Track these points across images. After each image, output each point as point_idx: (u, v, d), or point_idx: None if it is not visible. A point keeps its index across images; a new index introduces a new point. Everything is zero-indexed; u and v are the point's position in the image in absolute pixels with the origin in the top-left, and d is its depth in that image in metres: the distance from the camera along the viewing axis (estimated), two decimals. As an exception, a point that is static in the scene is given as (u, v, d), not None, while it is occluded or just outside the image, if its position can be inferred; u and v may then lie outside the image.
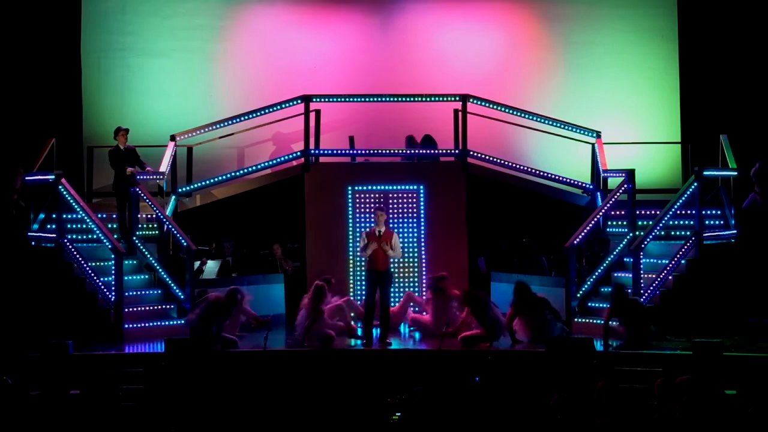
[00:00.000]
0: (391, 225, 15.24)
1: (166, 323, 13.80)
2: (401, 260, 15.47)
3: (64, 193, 14.14)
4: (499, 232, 16.91)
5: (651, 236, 13.92)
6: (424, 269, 15.60)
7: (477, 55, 17.36)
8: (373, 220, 14.50)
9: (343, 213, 15.57)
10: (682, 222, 14.72)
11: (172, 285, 14.05)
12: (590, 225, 14.29)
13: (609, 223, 15.09)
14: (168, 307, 14.17)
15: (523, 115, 16.26)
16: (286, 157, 16.10)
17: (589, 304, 14.01)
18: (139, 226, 14.71)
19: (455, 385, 9.80)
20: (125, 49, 17.25)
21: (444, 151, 16.06)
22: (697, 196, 14.17)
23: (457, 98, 15.85)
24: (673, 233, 14.76)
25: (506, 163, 16.05)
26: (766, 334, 13.30)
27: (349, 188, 15.68)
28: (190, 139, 16.01)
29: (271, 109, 16.09)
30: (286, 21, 17.56)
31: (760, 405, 6.84)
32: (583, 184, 16.04)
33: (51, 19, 17.11)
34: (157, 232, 14.84)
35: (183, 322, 13.42)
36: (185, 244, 14.10)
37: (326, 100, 16.13)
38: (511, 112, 16.22)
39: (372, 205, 15.28)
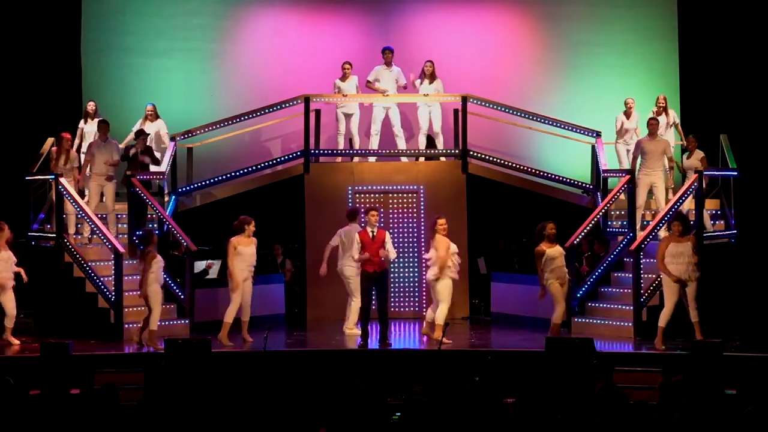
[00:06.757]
0: (391, 225, 15.25)
1: (166, 323, 13.78)
2: (401, 260, 15.46)
3: (64, 193, 14.13)
4: (499, 232, 16.91)
5: (651, 236, 13.92)
6: (424, 269, 15.58)
7: (477, 55, 17.36)
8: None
9: (343, 213, 15.55)
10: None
11: (172, 285, 14.04)
12: (590, 225, 14.29)
13: (609, 223, 15.09)
14: (168, 307, 14.13)
15: (523, 115, 16.26)
16: (286, 157, 16.10)
17: (590, 303, 14.01)
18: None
19: (455, 385, 9.79)
20: (125, 49, 17.25)
21: (444, 151, 16.07)
22: (698, 196, 14.16)
23: (457, 98, 15.86)
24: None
25: (506, 163, 16.05)
26: (766, 334, 13.30)
27: (349, 188, 15.69)
28: (190, 139, 16.01)
29: (271, 109, 16.09)
30: (286, 21, 17.56)
31: (759, 405, 6.83)
32: (583, 184, 16.04)
33: (51, 19, 17.11)
34: (157, 232, 14.81)
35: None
36: (185, 244, 14.11)
37: (326, 100, 16.14)
38: (511, 112, 16.22)
39: (371, 205, 15.24)
